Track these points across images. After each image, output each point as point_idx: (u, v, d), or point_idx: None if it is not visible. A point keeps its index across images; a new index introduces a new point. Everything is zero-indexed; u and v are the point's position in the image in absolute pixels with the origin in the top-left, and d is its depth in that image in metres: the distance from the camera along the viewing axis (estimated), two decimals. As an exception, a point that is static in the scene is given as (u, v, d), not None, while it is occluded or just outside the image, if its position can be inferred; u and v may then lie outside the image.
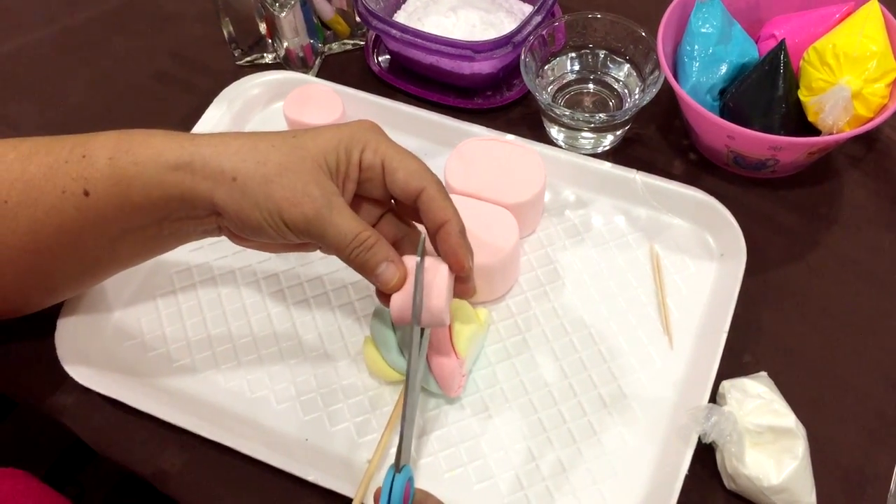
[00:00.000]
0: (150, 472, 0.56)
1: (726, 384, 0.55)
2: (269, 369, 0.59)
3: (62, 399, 0.58)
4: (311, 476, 0.52)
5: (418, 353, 0.49)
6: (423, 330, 0.50)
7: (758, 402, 0.53)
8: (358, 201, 0.51)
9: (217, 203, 0.47)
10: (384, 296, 0.50)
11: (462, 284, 0.51)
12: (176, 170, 0.47)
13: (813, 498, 0.52)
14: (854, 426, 0.56)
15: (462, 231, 0.50)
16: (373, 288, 0.56)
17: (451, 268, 0.50)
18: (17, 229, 0.49)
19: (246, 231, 0.48)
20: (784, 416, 0.52)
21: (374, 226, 0.52)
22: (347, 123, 0.50)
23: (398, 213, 0.53)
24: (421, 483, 0.54)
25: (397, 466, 0.46)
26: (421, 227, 0.52)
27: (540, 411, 0.56)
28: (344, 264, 0.49)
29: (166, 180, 0.47)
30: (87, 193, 0.48)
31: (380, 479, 0.53)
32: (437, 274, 0.49)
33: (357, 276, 0.61)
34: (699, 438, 0.52)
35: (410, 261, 0.50)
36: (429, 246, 0.51)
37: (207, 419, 0.55)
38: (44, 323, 0.59)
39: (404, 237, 0.53)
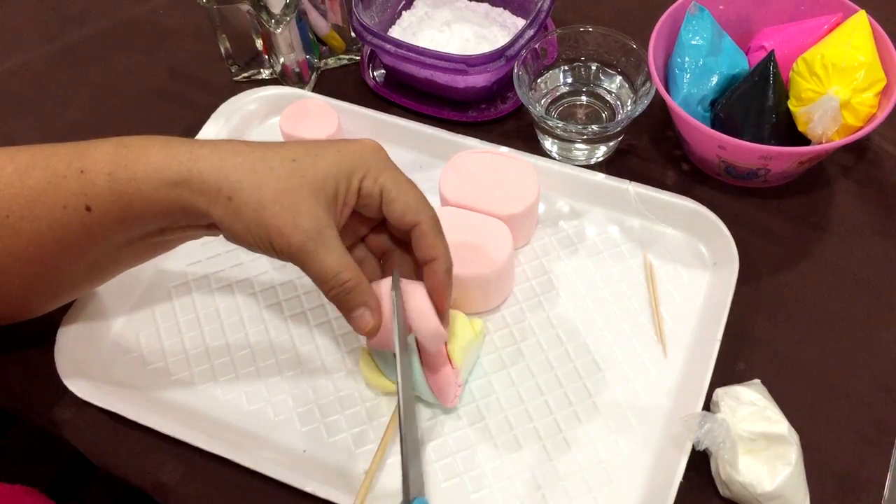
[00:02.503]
0: (149, 484, 0.56)
1: (720, 391, 0.55)
2: (267, 381, 0.59)
3: (61, 413, 0.59)
4: (309, 487, 0.53)
5: (410, 375, 0.49)
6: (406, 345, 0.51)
7: (751, 409, 0.53)
8: (351, 217, 0.51)
9: (212, 218, 0.47)
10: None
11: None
12: (175, 186, 0.47)
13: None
14: (847, 432, 0.56)
15: (449, 270, 0.50)
16: None
17: (434, 302, 0.50)
18: (21, 242, 0.49)
19: (240, 243, 0.49)
20: (777, 422, 0.53)
21: (364, 237, 0.53)
22: (350, 144, 0.49)
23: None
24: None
25: (407, 499, 0.47)
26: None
27: (535, 420, 0.57)
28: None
29: (166, 196, 0.47)
30: (88, 209, 0.48)
31: (377, 489, 0.53)
32: (418, 296, 0.50)
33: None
34: (693, 446, 0.52)
35: (388, 283, 0.50)
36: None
37: (206, 431, 0.56)
38: (43, 337, 0.59)
39: (393, 252, 0.53)
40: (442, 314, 0.51)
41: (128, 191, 0.47)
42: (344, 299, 0.48)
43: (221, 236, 0.50)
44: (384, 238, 0.53)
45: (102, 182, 0.48)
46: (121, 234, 0.50)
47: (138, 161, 0.47)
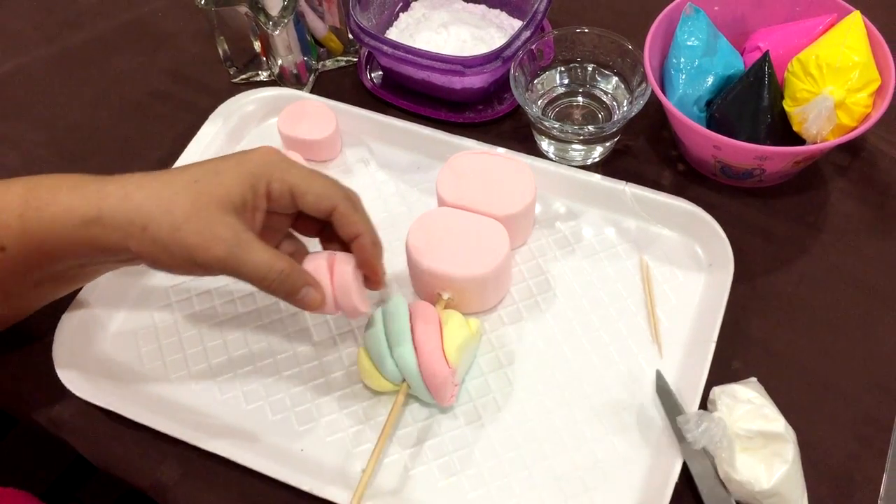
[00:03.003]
0: (147, 484, 0.56)
1: (716, 390, 0.55)
2: (265, 380, 0.60)
3: (60, 412, 0.59)
4: (307, 486, 0.53)
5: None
6: None
7: (748, 408, 0.53)
8: (269, 217, 0.52)
9: (132, 251, 0.48)
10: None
11: (373, 283, 0.56)
12: (86, 225, 0.48)
13: (804, 501, 0.53)
14: (843, 430, 0.57)
15: (375, 241, 0.54)
16: (370, 300, 0.59)
17: (365, 276, 0.55)
18: None
19: (164, 270, 0.50)
20: (774, 420, 0.53)
21: (292, 227, 0.55)
22: (247, 154, 0.51)
23: (295, 231, 0.56)
24: (414, 493, 0.54)
25: None
26: None
27: (532, 420, 0.57)
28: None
29: (78, 235, 0.48)
30: (3, 249, 0.49)
31: (374, 487, 0.54)
32: (345, 272, 0.53)
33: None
34: (690, 444, 0.52)
35: (319, 256, 0.54)
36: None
37: (204, 431, 0.56)
38: (41, 336, 0.59)
39: (322, 229, 0.56)
40: (376, 282, 0.55)
41: (40, 233, 0.48)
42: (284, 287, 0.50)
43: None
44: (312, 220, 0.55)
45: (15, 223, 0.48)
46: (37, 272, 0.51)
47: (48, 204, 0.48)
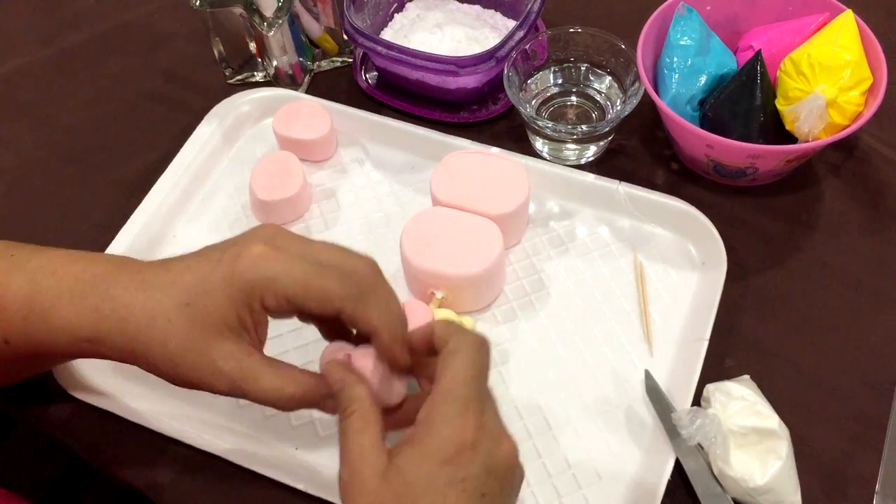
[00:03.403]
0: (143, 483, 0.57)
1: (710, 387, 0.56)
2: (260, 380, 0.60)
3: (57, 412, 0.59)
4: (301, 484, 0.53)
5: None
6: None
7: (741, 405, 0.54)
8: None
9: (137, 365, 0.46)
10: None
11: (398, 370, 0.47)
12: (87, 342, 0.46)
13: (798, 497, 0.53)
14: (836, 427, 0.57)
15: (394, 337, 0.45)
16: None
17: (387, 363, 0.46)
18: None
19: None
20: (767, 417, 0.53)
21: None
22: (237, 266, 0.44)
23: None
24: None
25: None
26: None
27: (525, 418, 0.57)
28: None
29: (79, 348, 0.46)
30: (7, 342, 0.48)
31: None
32: (364, 370, 0.45)
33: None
34: (684, 441, 0.53)
35: (338, 351, 0.47)
36: None
37: (199, 430, 0.56)
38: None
39: None
40: (399, 373, 0.47)
41: (41, 336, 0.47)
42: (302, 407, 0.46)
43: None
44: None
45: (18, 322, 0.47)
46: (39, 362, 0.52)
47: (49, 312, 0.46)
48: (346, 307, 0.44)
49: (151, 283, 0.46)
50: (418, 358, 0.46)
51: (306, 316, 0.48)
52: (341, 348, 0.47)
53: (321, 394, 0.46)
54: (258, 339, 0.47)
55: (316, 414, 0.58)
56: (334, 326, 0.49)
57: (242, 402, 0.59)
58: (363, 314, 0.44)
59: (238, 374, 0.44)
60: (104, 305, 0.45)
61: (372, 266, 0.46)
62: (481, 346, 0.43)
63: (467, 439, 0.40)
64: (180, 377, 0.45)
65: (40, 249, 0.50)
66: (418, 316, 0.56)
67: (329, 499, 0.53)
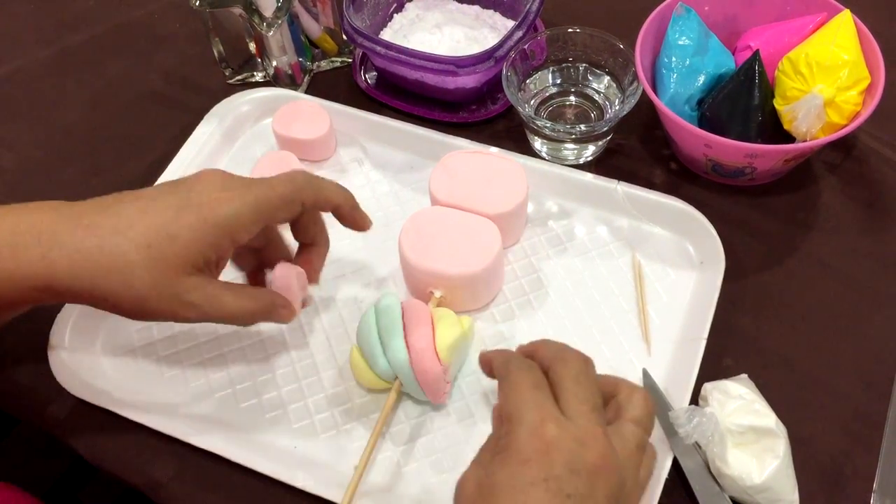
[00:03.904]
0: (142, 481, 0.57)
1: (708, 386, 0.56)
2: (259, 379, 0.60)
3: (57, 412, 0.59)
4: (300, 483, 0.53)
5: None
6: None
7: (739, 403, 0.54)
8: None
9: (102, 308, 0.48)
10: None
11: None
12: (37, 291, 0.47)
13: (795, 496, 0.53)
14: (833, 426, 0.57)
15: (352, 204, 0.55)
16: (362, 299, 0.62)
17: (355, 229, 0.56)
18: None
19: None
20: (765, 416, 0.53)
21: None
22: (204, 213, 0.48)
23: None
24: (406, 490, 0.55)
25: None
26: None
27: (524, 416, 0.57)
28: (337, 273, 0.56)
29: (31, 296, 0.47)
30: None
31: (367, 484, 0.54)
32: (291, 280, 0.55)
33: (345, 288, 0.63)
34: (682, 439, 0.53)
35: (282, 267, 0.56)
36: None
37: (198, 428, 0.56)
38: (37, 335, 0.60)
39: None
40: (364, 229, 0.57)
41: None
42: (257, 320, 0.53)
43: None
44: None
45: None
46: None
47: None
48: (306, 197, 0.51)
49: (103, 226, 0.47)
50: None
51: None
52: (284, 267, 0.55)
53: (275, 304, 0.53)
54: (218, 269, 0.51)
55: (315, 413, 0.58)
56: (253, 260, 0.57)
57: (243, 402, 0.59)
58: (322, 195, 0.53)
59: (204, 301, 0.49)
60: (52, 253, 0.46)
61: (306, 173, 0.53)
62: (529, 363, 0.45)
63: (546, 439, 0.40)
64: (146, 313, 0.48)
65: None
66: (417, 315, 0.56)
67: (328, 497, 0.53)
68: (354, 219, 0.55)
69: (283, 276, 0.55)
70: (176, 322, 0.49)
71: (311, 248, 0.57)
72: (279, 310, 0.53)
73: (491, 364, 0.47)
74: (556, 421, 0.41)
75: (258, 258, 0.58)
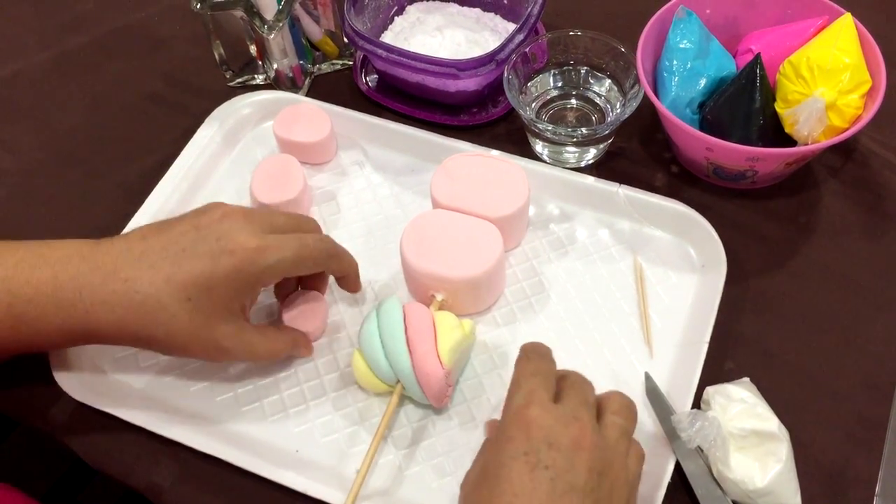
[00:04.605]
0: (143, 485, 0.57)
1: (710, 390, 0.56)
2: (260, 382, 0.60)
3: (56, 414, 0.59)
4: (302, 486, 0.53)
5: None
6: None
7: (741, 407, 0.54)
8: None
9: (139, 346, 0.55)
10: None
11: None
12: (83, 338, 0.51)
13: (798, 499, 0.53)
14: (835, 429, 0.57)
15: (356, 273, 0.60)
16: (363, 303, 0.63)
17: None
18: None
19: None
20: (767, 419, 0.53)
21: None
22: (236, 262, 0.51)
23: None
24: (408, 494, 0.55)
25: None
26: None
27: (526, 420, 0.57)
28: (335, 274, 0.59)
29: (74, 342, 0.53)
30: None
31: (368, 488, 0.54)
32: (317, 308, 0.61)
33: (348, 293, 0.63)
34: (684, 443, 0.53)
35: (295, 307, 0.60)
36: None
37: (199, 432, 0.56)
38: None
39: None
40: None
41: (32, 340, 0.51)
42: (281, 358, 0.59)
43: None
44: None
45: (6, 332, 0.50)
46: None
47: (39, 322, 0.50)
48: (329, 264, 0.57)
49: (140, 280, 0.50)
50: None
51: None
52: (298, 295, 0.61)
53: (297, 346, 0.58)
54: (248, 310, 0.56)
55: (317, 416, 0.58)
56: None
57: (244, 405, 0.59)
58: (340, 265, 0.58)
59: (238, 348, 0.53)
60: (96, 309, 0.49)
61: (316, 223, 0.59)
62: (541, 353, 0.50)
63: (528, 418, 0.44)
64: (183, 355, 0.53)
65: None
66: (418, 318, 0.56)
67: (329, 500, 0.53)
68: (355, 285, 0.61)
69: (297, 311, 0.60)
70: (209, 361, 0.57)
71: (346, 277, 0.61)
72: (300, 348, 0.59)
73: None
74: (540, 404, 0.45)
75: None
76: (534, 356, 0.49)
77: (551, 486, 0.42)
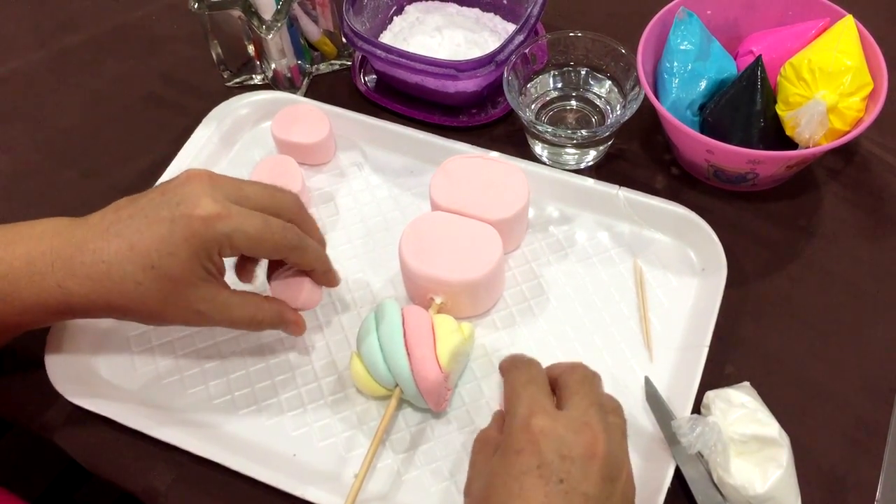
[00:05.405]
0: (140, 489, 0.56)
1: (710, 394, 0.55)
2: (258, 386, 0.60)
3: (53, 417, 0.59)
4: (299, 491, 0.53)
5: None
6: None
7: (742, 412, 0.53)
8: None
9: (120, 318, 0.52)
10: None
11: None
12: (56, 314, 0.51)
13: (798, 506, 0.53)
14: (836, 434, 0.57)
15: (325, 269, 0.57)
16: (362, 305, 0.62)
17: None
18: None
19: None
20: (768, 424, 0.53)
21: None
22: (193, 224, 0.49)
23: None
24: (407, 498, 0.54)
25: None
26: None
27: (525, 424, 0.57)
28: (299, 266, 0.56)
29: (46, 319, 0.53)
30: None
31: (366, 492, 0.54)
32: (302, 287, 0.57)
33: (345, 294, 0.62)
34: (684, 448, 0.52)
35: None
36: None
37: (197, 436, 0.56)
38: (34, 341, 0.59)
39: None
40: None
41: (4, 318, 0.50)
42: (268, 328, 0.56)
43: None
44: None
45: None
46: (12, 333, 0.54)
47: (12, 298, 0.49)
48: (290, 256, 0.54)
49: (107, 250, 0.49)
50: None
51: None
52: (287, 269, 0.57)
53: (284, 319, 0.56)
54: (221, 274, 0.53)
55: (314, 420, 0.58)
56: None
57: (242, 409, 0.59)
58: (302, 259, 0.55)
59: (214, 310, 0.52)
60: (67, 282, 0.49)
61: (296, 200, 0.55)
62: (528, 361, 0.49)
63: (537, 429, 0.42)
64: (163, 321, 0.52)
65: None
66: (417, 321, 0.56)
67: (327, 505, 0.52)
68: (327, 279, 0.58)
69: (283, 283, 0.57)
70: (188, 326, 0.54)
71: (312, 275, 0.58)
72: (288, 323, 0.56)
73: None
74: (546, 412, 0.44)
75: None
76: (522, 365, 0.48)
77: (567, 499, 0.41)
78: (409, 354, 0.54)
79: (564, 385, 0.47)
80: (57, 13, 0.88)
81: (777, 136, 0.65)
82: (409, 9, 0.80)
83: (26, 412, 0.60)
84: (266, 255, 0.55)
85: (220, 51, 0.77)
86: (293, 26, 0.75)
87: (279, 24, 0.71)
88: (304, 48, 0.78)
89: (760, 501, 0.51)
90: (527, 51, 0.70)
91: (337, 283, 0.59)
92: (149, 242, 0.49)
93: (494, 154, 0.68)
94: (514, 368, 0.48)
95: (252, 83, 0.80)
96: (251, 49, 0.76)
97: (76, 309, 0.50)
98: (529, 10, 0.71)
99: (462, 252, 0.59)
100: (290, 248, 0.53)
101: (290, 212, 0.54)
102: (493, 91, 0.74)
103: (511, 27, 0.77)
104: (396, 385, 0.55)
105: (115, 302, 0.50)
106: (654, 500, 0.51)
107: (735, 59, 0.70)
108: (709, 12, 0.69)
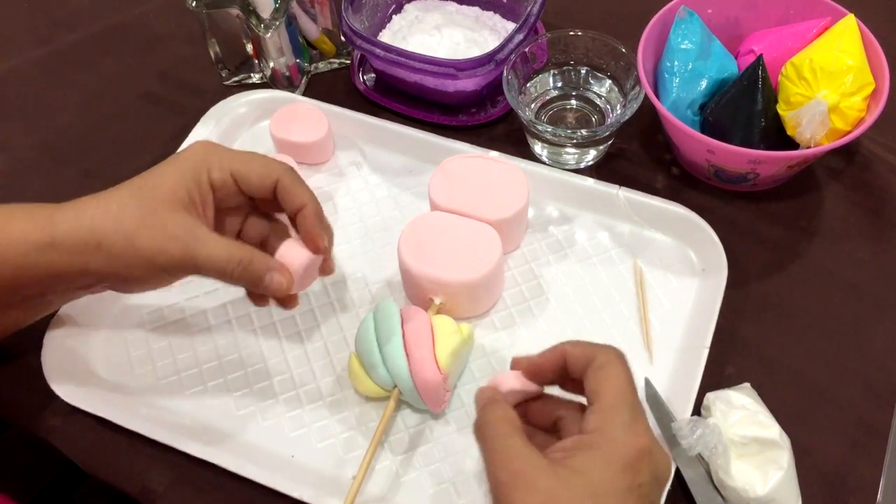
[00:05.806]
0: (137, 490, 0.56)
1: (710, 396, 0.55)
2: (256, 386, 0.59)
3: (50, 419, 0.59)
4: (297, 492, 0.53)
5: None
6: None
7: (742, 414, 0.53)
8: (219, 215, 0.53)
9: (94, 271, 0.49)
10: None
11: (322, 263, 0.55)
12: (41, 251, 0.49)
13: (799, 507, 0.53)
14: (837, 435, 0.57)
15: (318, 212, 0.53)
16: (360, 306, 0.60)
17: (309, 247, 0.52)
18: None
19: (131, 286, 0.52)
20: (768, 426, 0.53)
21: (240, 231, 0.55)
22: (185, 153, 0.52)
23: (260, 211, 0.56)
24: (405, 500, 0.54)
25: None
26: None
27: (524, 425, 0.57)
28: (334, 279, 0.54)
29: (34, 262, 0.49)
30: None
31: (365, 493, 0.53)
32: (296, 256, 0.52)
33: (343, 294, 0.62)
34: (685, 450, 0.52)
35: (286, 245, 0.53)
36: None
37: (194, 437, 0.56)
38: (30, 342, 0.59)
39: (270, 234, 0.56)
40: (319, 254, 0.53)
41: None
42: (247, 275, 0.50)
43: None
44: (257, 224, 0.55)
45: None
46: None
47: (2, 231, 0.49)
48: (281, 178, 0.52)
49: (104, 192, 0.51)
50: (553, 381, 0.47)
51: (249, 203, 0.54)
52: (291, 240, 0.53)
53: (266, 265, 0.50)
54: (205, 208, 0.51)
55: (313, 421, 0.57)
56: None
57: (240, 410, 0.58)
58: (295, 187, 0.52)
59: (189, 237, 0.49)
60: (57, 214, 0.49)
61: (291, 168, 0.53)
62: (623, 356, 0.44)
63: (644, 446, 0.40)
64: (134, 252, 0.48)
65: None
66: (416, 322, 0.55)
67: (325, 507, 0.52)
68: (315, 231, 0.52)
69: (287, 252, 0.52)
70: (162, 270, 0.49)
71: (302, 213, 0.53)
72: (271, 272, 0.50)
73: (563, 360, 0.46)
74: (647, 427, 0.41)
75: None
76: (626, 361, 0.44)
77: None
78: (407, 355, 0.54)
79: (597, 394, 0.42)
80: (55, 11, 0.88)
81: (778, 136, 0.65)
82: (408, 7, 0.80)
83: (23, 413, 0.60)
84: (256, 183, 0.52)
85: (218, 49, 0.76)
86: (291, 25, 0.74)
87: (277, 23, 0.71)
88: (302, 47, 0.77)
89: (761, 503, 0.51)
90: (526, 50, 0.69)
91: (323, 246, 0.53)
92: (142, 175, 0.51)
93: (494, 154, 0.67)
94: (615, 364, 0.43)
95: (250, 82, 0.79)
96: (249, 47, 0.76)
97: (60, 244, 0.48)
98: (529, 8, 0.71)
99: (461, 252, 0.59)
100: (281, 170, 0.52)
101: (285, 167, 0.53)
102: (493, 90, 0.74)
103: (511, 26, 0.77)
104: (395, 386, 0.55)
105: (96, 223, 0.49)
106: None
107: (736, 58, 0.69)
108: (710, 11, 0.69)
